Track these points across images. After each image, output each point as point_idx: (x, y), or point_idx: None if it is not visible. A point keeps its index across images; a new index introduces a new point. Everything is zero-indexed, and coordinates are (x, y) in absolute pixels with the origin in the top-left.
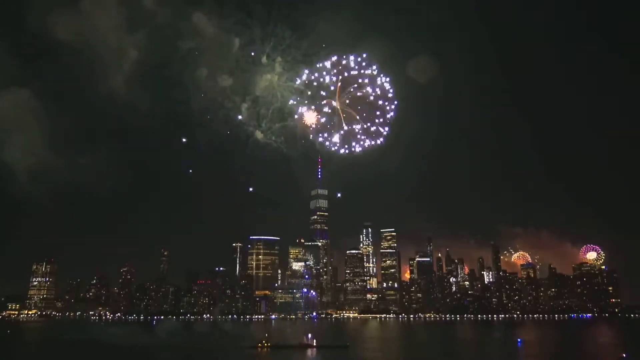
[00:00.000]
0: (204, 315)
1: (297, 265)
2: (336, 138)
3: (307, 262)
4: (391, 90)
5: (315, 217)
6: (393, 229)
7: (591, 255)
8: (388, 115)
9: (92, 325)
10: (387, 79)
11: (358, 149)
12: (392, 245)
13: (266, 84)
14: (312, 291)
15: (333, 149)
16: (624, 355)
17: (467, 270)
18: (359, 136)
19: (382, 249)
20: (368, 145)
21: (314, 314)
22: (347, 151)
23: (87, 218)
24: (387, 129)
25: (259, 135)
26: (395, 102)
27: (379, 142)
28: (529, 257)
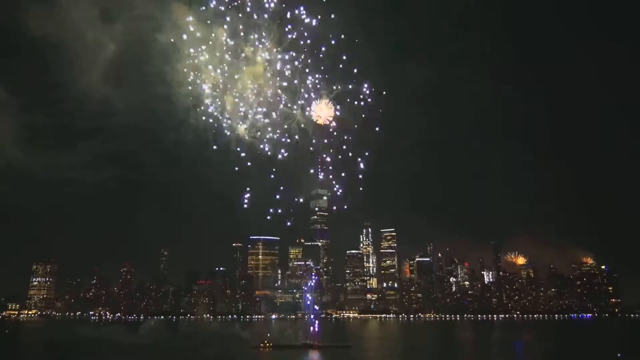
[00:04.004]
0: (204, 315)
1: (297, 265)
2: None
3: (307, 262)
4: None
5: (315, 217)
6: (393, 229)
7: (590, 256)
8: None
9: (84, 325)
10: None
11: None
12: (392, 245)
13: (251, 78)
14: (309, 295)
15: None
16: (619, 355)
17: (467, 270)
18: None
19: (382, 249)
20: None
21: (314, 313)
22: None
23: (87, 218)
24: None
25: (241, 131)
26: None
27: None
28: (528, 257)
